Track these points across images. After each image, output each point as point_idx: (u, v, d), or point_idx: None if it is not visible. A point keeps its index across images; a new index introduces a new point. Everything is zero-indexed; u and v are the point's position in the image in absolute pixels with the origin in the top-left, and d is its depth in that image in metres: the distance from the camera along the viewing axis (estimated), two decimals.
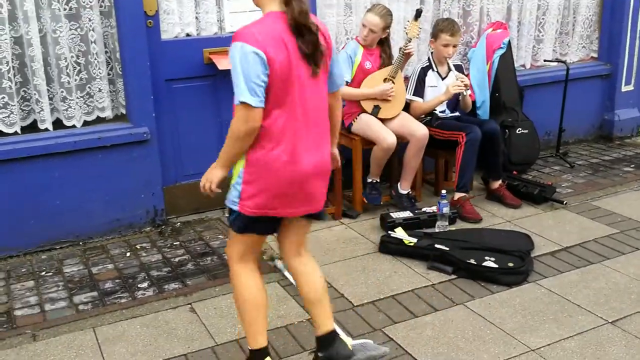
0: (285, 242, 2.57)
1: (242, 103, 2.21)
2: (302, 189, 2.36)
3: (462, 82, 4.22)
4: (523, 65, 5.48)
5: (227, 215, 2.48)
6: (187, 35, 4.12)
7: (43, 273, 3.58)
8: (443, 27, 4.33)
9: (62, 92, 3.84)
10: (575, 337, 2.87)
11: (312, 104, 2.34)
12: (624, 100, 5.88)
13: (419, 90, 4.40)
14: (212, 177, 2.40)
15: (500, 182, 4.50)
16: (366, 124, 4.17)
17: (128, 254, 3.79)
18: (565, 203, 4.35)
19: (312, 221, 2.54)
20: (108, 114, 4.02)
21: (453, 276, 3.44)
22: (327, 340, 2.55)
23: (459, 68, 4.48)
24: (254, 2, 2.39)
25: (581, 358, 2.71)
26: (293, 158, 2.30)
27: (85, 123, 3.97)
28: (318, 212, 2.48)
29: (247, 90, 2.20)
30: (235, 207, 2.36)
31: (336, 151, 2.65)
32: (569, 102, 5.35)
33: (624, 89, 5.86)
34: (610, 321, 2.99)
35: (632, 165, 5.20)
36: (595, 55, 5.88)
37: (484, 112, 4.86)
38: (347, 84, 4.19)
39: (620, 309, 3.09)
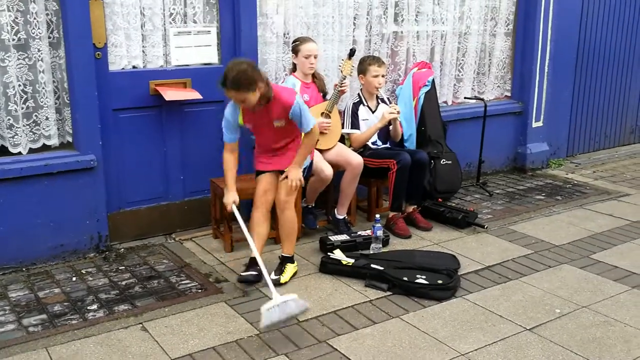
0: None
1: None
2: None
3: (395, 109, 4.63)
4: (445, 102, 5.95)
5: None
6: (134, 67, 4.29)
7: None
8: (370, 61, 4.75)
9: (9, 119, 3.91)
10: (499, 342, 3.20)
11: None
12: (534, 135, 6.47)
13: (355, 123, 4.75)
14: (298, 175, 3.73)
15: (414, 206, 4.87)
16: None
17: (74, 279, 3.86)
18: (486, 227, 4.77)
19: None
20: (54, 141, 4.10)
21: (389, 293, 3.72)
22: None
23: (384, 102, 4.88)
24: None
25: None
26: None
27: (31, 150, 4.04)
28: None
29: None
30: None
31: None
32: (486, 136, 5.84)
33: (534, 125, 6.45)
34: (528, 328, 3.35)
35: (543, 194, 5.73)
36: (508, 94, 6.45)
37: (411, 144, 5.24)
38: None
39: (537, 317, 3.46)
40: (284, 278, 3.81)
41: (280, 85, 3.71)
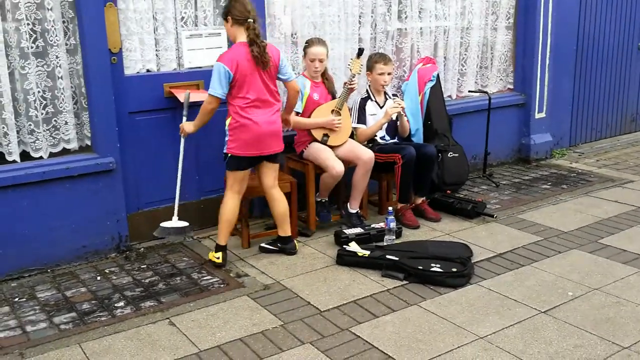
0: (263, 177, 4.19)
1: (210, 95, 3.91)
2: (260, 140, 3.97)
3: (398, 104, 4.72)
4: (450, 96, 6.06)
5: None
6: (148, 71, 4.40)
7: (16, 299, 3.69)
8: (377, 59, 4.87)
9: (30, 125, 4.02)
10: (515, 325, 3.31)
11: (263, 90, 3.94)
12: (538, 126, 6.58)
13: (362, 118, 4.86)
14: (186, 127, 4.17)
15: (423, 198, 4.99)
16: (317, 151, 4.56)
17: (98, 278, 3.96)
18: (495, 216, 4.88)
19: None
20: (74, 145, 4.21)
21: (405, 282, 3.83)
22: (285, 239, 4.27)
23: (394, 97, 4.99)
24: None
25: (522, 341, 3.15)
26: (255, 122, 3.93)
27: (51, 155, 4.14)
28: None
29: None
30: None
31: (285, 116, 4.36)
32: (491, 129, 5.95)
33: (537, 116, 6.56)
34: (543, 311, 3.46)
35: (549, 183, 5.84)
36: (511, 86, 6.57)
37: (418, 139, 5.35)
38: (298, 114, 4.57)
39: (550, 301, 3.58)
40: (210, 255, 4.17)
41: (233, 49, 3.95)
